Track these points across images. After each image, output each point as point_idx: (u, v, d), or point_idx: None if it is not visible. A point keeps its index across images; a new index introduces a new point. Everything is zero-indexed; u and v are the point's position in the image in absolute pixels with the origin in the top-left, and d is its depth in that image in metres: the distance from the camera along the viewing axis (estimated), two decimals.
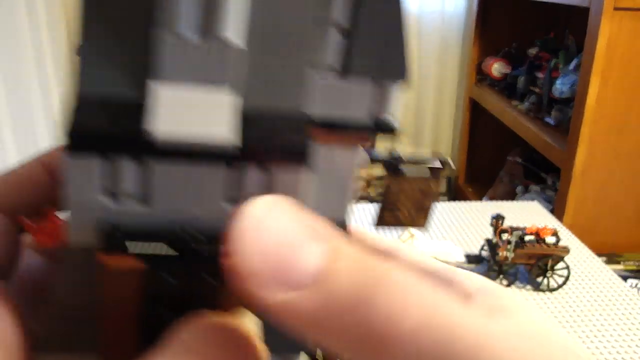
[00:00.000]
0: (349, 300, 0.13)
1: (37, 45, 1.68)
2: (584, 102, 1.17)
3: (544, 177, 1.63)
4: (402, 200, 0.19)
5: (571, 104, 1.32)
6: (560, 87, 1.37)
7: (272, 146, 0.15)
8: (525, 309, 0.17)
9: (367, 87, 0.16)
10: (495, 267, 0.73)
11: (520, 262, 0.73)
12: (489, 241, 0.76)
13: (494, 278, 0.73)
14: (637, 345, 0.63)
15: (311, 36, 0.15)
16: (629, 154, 1.23)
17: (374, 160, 0.18)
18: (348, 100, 0.17)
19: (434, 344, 0.12)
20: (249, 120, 0.15)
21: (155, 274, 0.15)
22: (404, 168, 0.19)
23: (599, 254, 0.85)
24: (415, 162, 0.19)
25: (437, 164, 0.19)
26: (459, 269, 0.20)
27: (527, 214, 0.95)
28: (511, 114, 1.61)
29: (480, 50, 1.99)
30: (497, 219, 0.75)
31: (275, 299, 0.13)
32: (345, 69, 0.16)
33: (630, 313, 0.69)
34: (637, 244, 1.29)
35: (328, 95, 0.16)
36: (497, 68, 1.83)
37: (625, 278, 1.08)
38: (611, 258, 1.17)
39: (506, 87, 1.77)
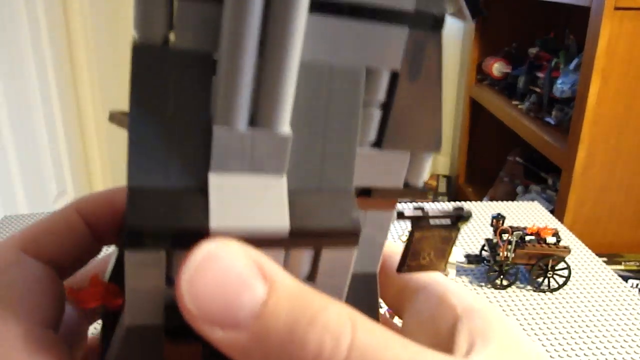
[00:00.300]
0: (282, 339, 0.13)
1: (36, 48, 1.68)
2: (585, 102, 1.17)
3: (544, 177, 1.63)
4: (425, 248, 0.20)
5: (572, 104, 1.32)
6: (561, 86, 1.37)
7: (324, 230, 0.15)
8: (507, 334, 0.18)
9: (403, 158, 0.17)
10: (496, 267, 0.73)
11: (521, 262, 0.73)
12: (489, 241, 0.76)
13: (494, 278, 0.73)
14: (637, 346, 0.63)
15: (359, 118, 0.16)
16: (629, 153, 1.23)
17: (400, 215, 0.19)
18: (385, 169, 0.17)
19: None
20: (300, 203, 0.15)
21: (212, 350, 0.15)
22: (429, 220, 0.20)
23: (600, 254, 0.85)
24: (439, 214, 0.20)
25: (458, 215, 0.20)
26: (454, 284, 0.21)
27: (528, 214, 0.94)
28: (511, 114, 1.61)
29: (480, 50, 1.99)
30: (498, 219, 0.75)
31: (216, 336, 0.13)
32: (384, 143, 0.17)
33: (631, 313, 0.69)
34: (638, 244, 1.29)
35: (367, 166, 0.17)
36: (497, 68, 1.83)
37: (626, 278, 1.08)
38: (612, 258, 1.17)
39: (506, 87, 1.76)
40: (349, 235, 0.15)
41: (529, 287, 0.73)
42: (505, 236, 0.73)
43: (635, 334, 0.65)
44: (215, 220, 0.14)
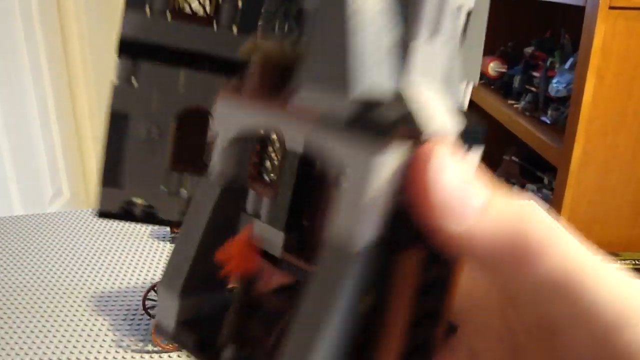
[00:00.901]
0: (504, 231, 0.16)
1: (31, 48, 1.68)
2: (580, 101, 1.17)
3: (540, 176, 1.63)
4: None
5: (567, 103, 1.33)
6: (557, 86, 1.37)
7: (467, 132, 0.18)
8: None
9: (462, 88, 0.21)
10: None
11: None
12: None
13: None
14: None
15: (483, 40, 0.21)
16: (625, 152, 1.23)
17: None
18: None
19: (565, 278, 0.17)
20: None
21: (435, 255, 0.17)
22: None
23: None
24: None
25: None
26: None
27: None
28: (507, 113, 1.61)
29: None
30: None
31: (453, 228, 0.16)
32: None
33: None
34: (634, 242, 1.29)
35: None
36: (493, 67, 1.83)
37: None
38: (608, 257, 1.17)
39: (502, 86, 1.77)
40: (481, 138, 0.19)
41: None
42: None
43: None
44: (428, 125, 0.16)
